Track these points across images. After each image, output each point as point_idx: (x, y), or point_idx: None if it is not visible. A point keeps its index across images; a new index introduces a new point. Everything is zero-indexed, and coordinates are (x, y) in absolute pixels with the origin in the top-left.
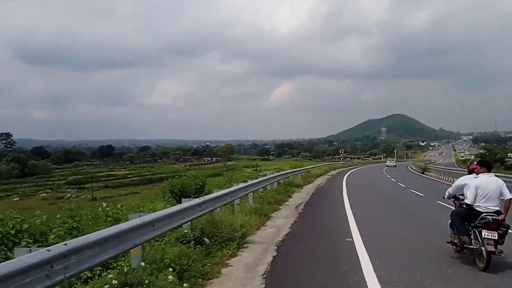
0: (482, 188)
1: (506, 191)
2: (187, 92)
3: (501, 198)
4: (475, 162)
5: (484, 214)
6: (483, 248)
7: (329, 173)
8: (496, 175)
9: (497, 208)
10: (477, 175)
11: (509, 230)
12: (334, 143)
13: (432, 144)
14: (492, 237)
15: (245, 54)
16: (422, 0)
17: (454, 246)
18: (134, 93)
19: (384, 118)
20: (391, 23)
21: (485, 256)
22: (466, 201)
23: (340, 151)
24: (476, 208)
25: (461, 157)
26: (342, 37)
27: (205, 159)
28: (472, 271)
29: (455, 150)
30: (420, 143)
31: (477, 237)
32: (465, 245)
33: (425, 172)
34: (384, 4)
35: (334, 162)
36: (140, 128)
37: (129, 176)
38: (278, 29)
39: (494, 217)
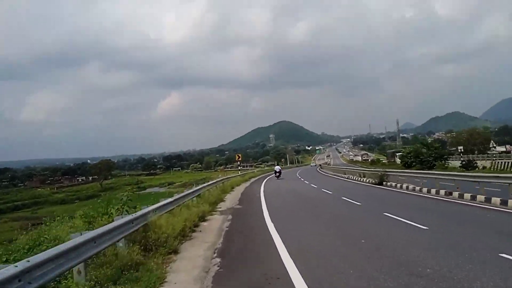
0: None
1: None
2: (66, 106)
3: None
4: None
5: None
6: None
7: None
8: None
9: None
10: None
11: None
12: (226, 152)
13: (317, 148)
14: None
15: (130, 64)
16: (300, 13)
17: None
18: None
19: (272, 126)
20: (274, 35)
21: None
22: None
23: (237, 157)
24: None
25: (350, 158)
26: (229, 47)
27: (79, 179)
28: None
29: (340, 152)
30: (306, 147)
31: None
32: None
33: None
34: (267, 17)
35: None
36: (9, 147)
37: None
38: (164, 39)
39: None
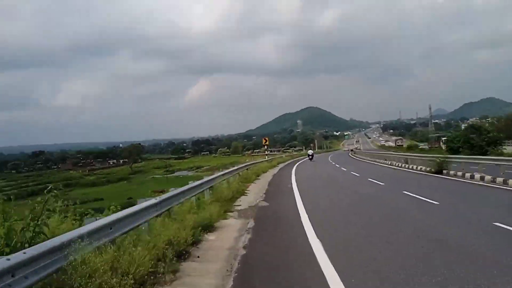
0: None
1: None
2: (99, 92)
3: None
4: None
5: None
6: None
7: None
8: None
9: None
10: None
11: None
12: (253, 137)
13: (346, 133)
14: None
15: (160, 52)
16: (329, 0)
17: None
18: (38, 94)
19: (299, 111)
20: (302, 22)
21: None
22: None
23: (264, 140)
24: None
25: (382, 143)
26: (257, 35)
27: (110, 162)
28: None
29: (370, 138)
30: (335, 132)
31: None
32: None
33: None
34: (296, 4)
35: (256, 157)
36: (45, 131)
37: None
38: (193, 27)
39: None
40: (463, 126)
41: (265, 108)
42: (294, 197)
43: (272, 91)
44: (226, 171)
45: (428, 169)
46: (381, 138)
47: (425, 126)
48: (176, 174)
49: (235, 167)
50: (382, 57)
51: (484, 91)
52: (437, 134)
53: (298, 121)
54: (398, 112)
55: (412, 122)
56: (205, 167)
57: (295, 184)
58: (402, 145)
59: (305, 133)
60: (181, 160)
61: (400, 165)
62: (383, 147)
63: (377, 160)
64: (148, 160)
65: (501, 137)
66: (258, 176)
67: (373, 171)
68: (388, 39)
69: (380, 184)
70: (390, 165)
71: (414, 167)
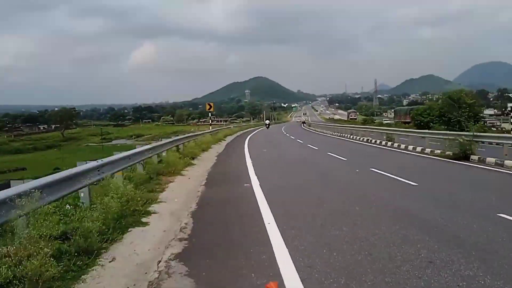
0: None
1: None
2: (33, 51)
3: None
4: None
5: None
6: None
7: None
8: None
9: None
10: None
11: None
12: (199, 106)
13: (293, 105)
14: None
15: (103, 10)
16: None
17: None
18: None
19: (248, 81)
20: None
21: None
22: None
23: (208, 106)
24: None
25: (330, 116)
26: None
27: (40, 127)
28: None
29: (317, 110)
30: (282, 104)
31: None
32: None
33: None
34: None
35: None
36: None
37: None
38: None
39: None
40: (405, 102)
41: (213, 76)
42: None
43: (221, 58)
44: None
45: (445, 152)
46: (328, 111)
47: (370, 101)
48: (114, 142)
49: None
50: (330, 30)
51: (425, 69)
52: (409, 107)
53: (246, 91)
54: (343, 86)
55: (357, 96)
56: (146, 136)
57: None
58: (355, 118)
59: (253, 103)
60: (121, 128)
61: (380, 142)
62: (331, 120)
63: (337, 133)
64: (84, 126)
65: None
66: (193, 158)
67: (346, 149)
68: (337, 11)
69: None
70: (356, 140)
71: (403, 146)
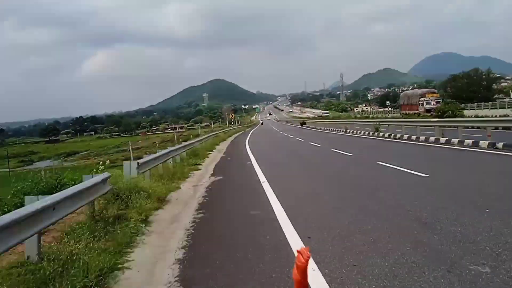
0: None
1: None
2: None
3: None
4: None
5: None
6: None
7: None
8: None
9: None
10: None
11: None
12: (154, 113)
13: (255, 106)
14: None
15: (52, 19)
16: None
17: None
18: None
19: (205, 84)
20: None
21: None
22: None
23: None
24: None
25: (299, 115)
26: (161, 2)
27: None
28: None
29: (282, 110)
30: (243, 106)
31: None
32: None
33: None
34: None
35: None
36: None
37: None
38: None
39: None
40: (369, 96)
41: (170, 81)
42: None
43: (178, 63)
44: None
45: None
46: (292, 110)
47: (332, 97)
48: (36, 165)
49: None
50: (287, 30)
51: (381, 63)
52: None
53: (204, 95)
54: (302, 85)
55: (316, 94)
56: (83, 152)
57: None
58: (328, 115)
59: (212, 106)
60: (54, 144)
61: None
62: (295, 118)
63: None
64: (10, 145)
65: None
66: None
67: None
68: (293, 11)
69: None
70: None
71: None
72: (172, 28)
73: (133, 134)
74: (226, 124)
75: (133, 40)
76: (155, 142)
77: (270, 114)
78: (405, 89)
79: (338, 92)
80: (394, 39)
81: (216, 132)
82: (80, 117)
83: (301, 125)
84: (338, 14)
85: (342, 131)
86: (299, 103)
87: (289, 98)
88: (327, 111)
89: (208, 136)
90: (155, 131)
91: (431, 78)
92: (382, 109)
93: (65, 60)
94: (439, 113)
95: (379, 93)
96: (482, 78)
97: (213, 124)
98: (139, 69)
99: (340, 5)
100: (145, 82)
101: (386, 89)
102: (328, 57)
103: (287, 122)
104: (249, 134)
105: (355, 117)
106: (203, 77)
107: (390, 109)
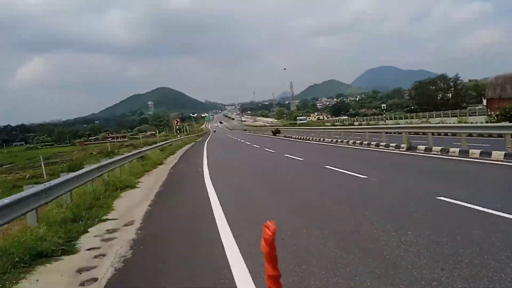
0: None
1: None
2: None
3: None
4: None
5: None
6: None
7: None
8: None
9: None
10: None
11: None
12: (96, 122)
13: (204, 115)
14: None
15: None
16: None
17: None
18: None
19: (150, 92)
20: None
21: None
22: None
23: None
24: None
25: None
26: (103, 8)
27: None
28: None
29: (232, 118)
30: (191, 114)
31: None
32: None
33: None
34: None
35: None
36: None
37: None
38: None
39: None
40: (318, 106)
41: (113, 89)
42: None
43: (121, 71)
44: None
45: None
46: (242, 118)
47: (282, 106)
48: None
49: None
50: (234, 40)
51: (326, 74)
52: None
53: (149, 103)
54: (251, 94)
55: (265, 103)
56: (4, 166)
57: None
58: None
59: (158, 114)
60: None
61: None
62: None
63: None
64: None
65: None
66: None
67: None
68: (239, 22)
69: None
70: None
71: None
72: (115, 35)
73: (68, 144)
74: (174, 133)
75: (73, 46)
76: (92, 153)
77: (220, 123)
78: (353, 99)
79: (287, 102)
80: (337, 52)
81: (141, 150)
82: (8, 125)
83: (274, 134)
84: (283, 28)
85: (330, 140)
86: (249, 112)
87: (238, 107)
88: (304, 117)
89: (124, 158)
90: (93, 141)
91: (372, 89)
92: (336, 118)
93: None
94: None
95: (327, 103)
96: (448, 84)
97: (159, 133)
98: (80, 77)
99: (285, 19)
100: (87, 90)
101: (334, 99)
102: (276, 68)
103: (245, 130)
104: (204, 148)
105: (333, 125)
106: (149, 85)
107: (346, 117)
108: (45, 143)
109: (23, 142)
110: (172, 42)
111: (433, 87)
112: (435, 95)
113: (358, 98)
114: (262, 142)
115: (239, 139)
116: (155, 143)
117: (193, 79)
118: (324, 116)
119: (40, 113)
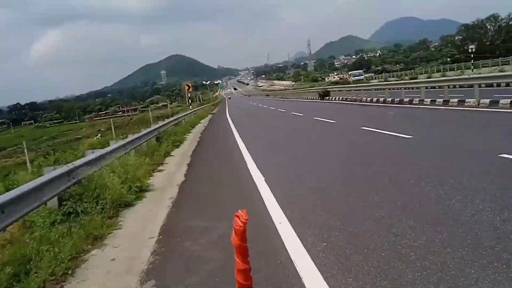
0: None
1: None
2: None
3: None
4: None
5: None
6: None
7: None
8: None
9: None
10: None
11: None
12: (109, 95)
13: (216, 82)
14: None
15: None
16: None
17: None
18: None
19: (163, 61)
20: None
21: None
22: None
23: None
24: None
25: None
26: None
27: None
28: None
29: (247, 84)
30: (204, 82)
31: None
32: None
33: None
34: None
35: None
36: None
37: None
38: None
39: None
40: (336, 64)
41: (126, 60)
42: None
43: (135, 41)
44: None
45: None
46: (258, 83)
47: (297, 68)
48: None
49: None
50: (247, 2)
51: (343, 30)
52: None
53: (162, 72)
54: (265, 58)
55: (280, 65)
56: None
57: None
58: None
59: (171, 84)
60: None
61: None
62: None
63: None
64: None
65: None
66: None
67: None
68: None
69: None
70: None
71: None
72: (128, 3)
73: (77, 121)
74: (186, 104)
75: (86, 17)
76: (100, 130)
77: (235, 89)
78: (372, 55)
79: (302, 63)
80: (353, 6)
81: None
82: (17, 104)
83: (322, 98)
84: None
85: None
86: (263, 76)
87: (252, 71)
88: (360, 72)
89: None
90: (103, 116)
91: (392, 43)
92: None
93: (13, 43)
94: None
95: (345, 61)
96: (500, 26)
97: (171, 103)
98: (94, 50)
99: None
100: (100, 63)
101: (353, 57)
102: (289, 28)
103: (267, 95)
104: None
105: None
106: (161, 54)
107: (372, 74)
108: (54, 121)
109: (32, 121)
110: (185, 8)
111: (482, 31)
112: (482, 41)
113: (378, 54)
114: (313, 110)
115: (279, 109)
116: (167, 116)
117: (206, 45)
118: (343, 75)
119: (54, 90)
